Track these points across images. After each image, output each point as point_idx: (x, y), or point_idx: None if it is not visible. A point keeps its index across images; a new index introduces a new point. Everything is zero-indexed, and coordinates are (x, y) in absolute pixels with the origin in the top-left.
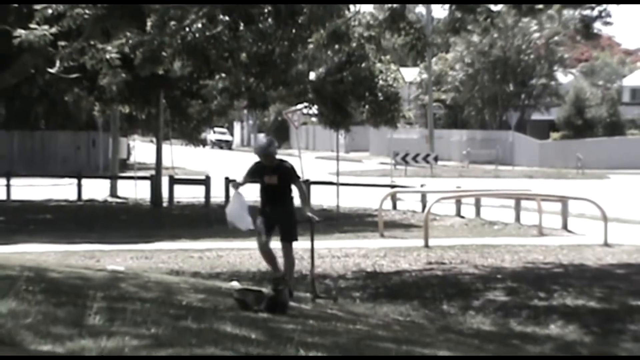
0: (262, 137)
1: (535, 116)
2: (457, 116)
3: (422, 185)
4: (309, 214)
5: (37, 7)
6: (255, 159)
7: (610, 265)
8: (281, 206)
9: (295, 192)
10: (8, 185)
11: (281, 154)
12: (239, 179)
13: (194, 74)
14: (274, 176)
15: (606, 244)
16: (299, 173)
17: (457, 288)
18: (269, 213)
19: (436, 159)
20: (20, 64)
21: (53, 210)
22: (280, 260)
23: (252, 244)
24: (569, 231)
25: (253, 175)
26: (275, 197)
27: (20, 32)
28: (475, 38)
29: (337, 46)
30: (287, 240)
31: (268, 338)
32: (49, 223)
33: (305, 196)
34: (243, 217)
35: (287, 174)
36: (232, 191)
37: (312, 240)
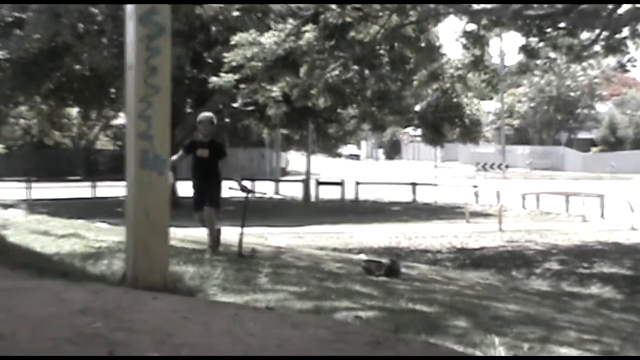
0: (208, 113)
1: (580, 135)
2: (523, 135)
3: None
4: (241, 185)
5: (225, 61)
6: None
7: (636, 244)
8: (210, 179)
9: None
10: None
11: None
12: (175, 156)
13: (333, 105)
14: (205, 150)
15: (633, 229)
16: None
17: (523, 260)
18: (200, 185)
19: (507, 166)
20: (212, 101)
21: (235, 202)
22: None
23: (375, 227)
24: (605, 219)
25: (188, 149)
26: (205, 170)
27: (213, 79)
28: (536, 79)
29: (434, 85)
30: (212, 206)
31: (386, 294)
32: (231, 212)
33: (231, 170)
34: None
35: (218, 150)
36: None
37: (245, 205)
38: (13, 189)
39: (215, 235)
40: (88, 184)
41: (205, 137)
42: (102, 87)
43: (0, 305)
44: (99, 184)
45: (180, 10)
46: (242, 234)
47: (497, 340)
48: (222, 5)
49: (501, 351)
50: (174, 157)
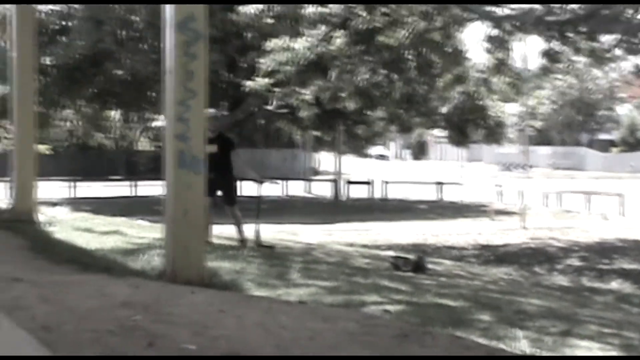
0: (211, 109)
1: (601, 136)
2: (545, 136)
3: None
4: (253, 176)
5: (259, 65)
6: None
7: None
8: (222, 174)
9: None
10: (240, 187)
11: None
12: None
13: (362, 108)
14: (213, 146)
15: None
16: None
17: (545, 256)
18: (213, 179)
19: (530, 166)
20: (247, 104)
21: (269, 201)
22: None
23: (402, 224)
24: (625, 217)
25: None
26: (217, 164)
27: (247, 83)
28: (558, 82)
29: (460, 88)
30: (229, 204)
31: (412, 289)
32: (265, 210)
33: (242, 164)
34: None
35: (227, 143)
36: None
37: (259, 197)
38: (59, 188)
39: (240, 228)
40: (129, 183)
41: (212, 133)
42: (142, 91)
43: (48, 298)
44: (139, 183)
45: (216, 17)
46: (258, 224)
47: (520, 333)
48: (256, 13)
49: (524, 344)
50: None
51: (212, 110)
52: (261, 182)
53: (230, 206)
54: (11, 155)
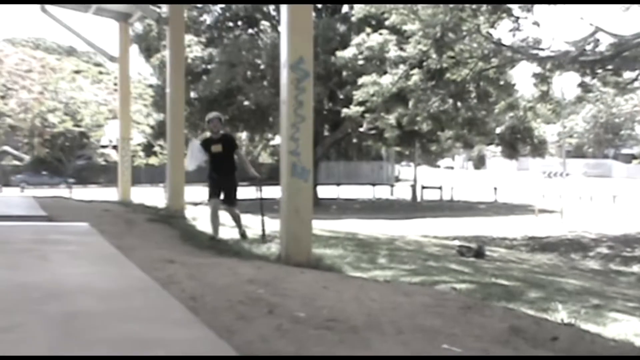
0: (215, 112)
1: (624, 151)
2: (579, 151)
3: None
4: (252, 173)
5: (354, 96)
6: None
7: None
8: (225, 174)
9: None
10: (337, 190)
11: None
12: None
13: (433, 129)
14: (218, 145)
15: None
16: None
17: (580, 245)
18: (216, 180)
19: (567, 175)
20: (344, 127)
21: (360, 202)
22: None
23: (465, 220)
24: None
25: (204, 146)
26: (220, 164)
27: (344, 110)
28: (590, 108)
29: (511, 113)
30: (228, 204)
31: (474, 271)
32: (358, 209)
33: (244, 160)
34: (195, 159)
35: (230, 142)
36: (190, 144)
37: (260, 192)
38: (200, 192)
39: (238, 223)
40: (253, 188)
41: (216, 135)
42: (264, 117)
43: (193, 275)
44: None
45: (320, 59)
46: (263, 221)
47: (560, 306)
48: (350, 56)
49: (564, 315)
50: (199, 159)
51: (214, 113)
52: (260, 182)
53: (230, 206)
54: (166, 166)
